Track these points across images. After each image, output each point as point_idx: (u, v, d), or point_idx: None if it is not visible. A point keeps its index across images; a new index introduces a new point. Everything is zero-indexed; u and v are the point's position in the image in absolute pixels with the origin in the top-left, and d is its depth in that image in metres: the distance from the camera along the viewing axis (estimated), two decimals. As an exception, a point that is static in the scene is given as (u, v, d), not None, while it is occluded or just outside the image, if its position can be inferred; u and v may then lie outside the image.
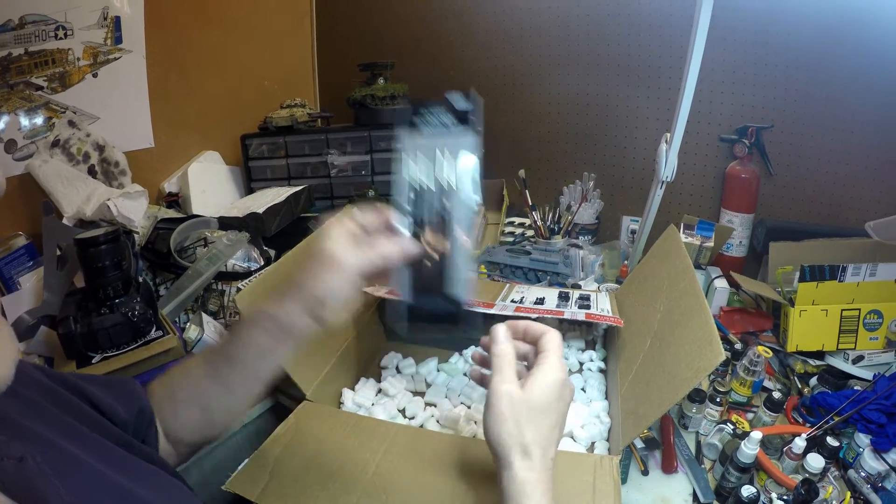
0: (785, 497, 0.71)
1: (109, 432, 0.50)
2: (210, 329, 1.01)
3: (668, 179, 1.05)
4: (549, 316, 0.88)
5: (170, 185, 1.51)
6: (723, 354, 0.57)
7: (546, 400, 0.51)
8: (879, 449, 0.75)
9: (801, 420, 0.88)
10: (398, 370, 0.95)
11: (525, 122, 1.61)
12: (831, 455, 0.76)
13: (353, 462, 0.66)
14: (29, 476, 0.37)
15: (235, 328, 0.61)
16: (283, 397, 0.96)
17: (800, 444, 0.76)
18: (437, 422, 0.83)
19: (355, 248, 0.55)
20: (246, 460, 0.67)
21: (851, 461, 0.77)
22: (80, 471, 0.41)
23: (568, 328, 1.01)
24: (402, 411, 0.87)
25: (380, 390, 0.91)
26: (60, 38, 1.25)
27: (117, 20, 1.34)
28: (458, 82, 1.67)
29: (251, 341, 0.59)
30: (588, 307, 0.95)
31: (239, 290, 1.12)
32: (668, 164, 1.03)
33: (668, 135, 1.03)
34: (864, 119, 1.16)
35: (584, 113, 1.51)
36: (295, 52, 1.85)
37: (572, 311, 0.91)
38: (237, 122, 1.59)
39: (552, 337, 0.55)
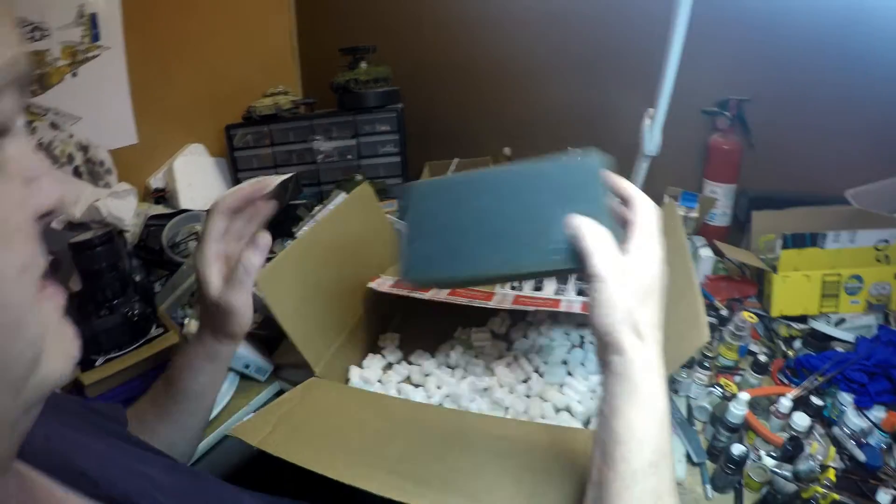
0: (773, 454, 0.75)
1: (120, 434, 0.53)
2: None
3: (654, 154, 1.07)
4: (546, 308, 0.90)
5: (156, 181, 1.51)
6: (707, 337, 0.59)
7: (651, 280, 0.47)
8: (861, 406, 0.79)
9: (786, 381, 0.92)
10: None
11: (506, 101, 1.62)
12: (816, 413, 0.80)
13: (354, 421, 0.70)
14: (56, 448, 0.40)
15: (175, 375, 0.66)
16: (286, 384, 0.98)
17: (786, 403, 0.80)
18: (447, 396, 0.86)
19: (222, 266, 0.62)
20: (251, 414, 0.71)
21: (836, 419, 0.81)
22: (89, 451, 0.44)
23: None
24: (409, 380, 0.91)
25: (389, 365, 0.94)
26: (37, 40, 1.23)
27: (93, 17, 1.32)
28: (440, 62, 1.68)
29: (187, 368, 0.66)
30: (584, 291, 0.97)
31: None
32: (653, 139, 1.05)
33: (652, 110, 1.05)
34: (843, 90, 1.18)
35: (567, 90, 1.52)
36: (275, 39, 1.83)
37: (569, 301, 0.92)
38: (220, 113, 1.58)
39: (643, 206, 0.49)
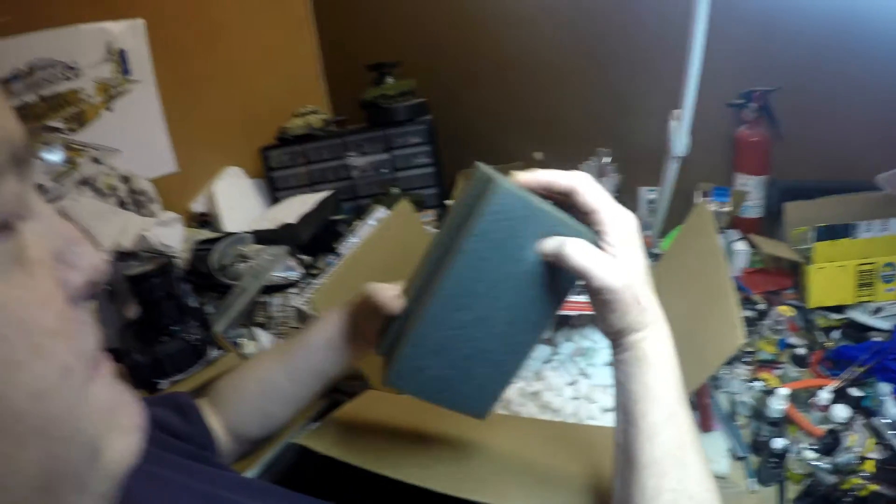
0: (813, 446, 0.76)
1: (179, 449, 0.55)
2: (265, 340, 1.08)
3: (682, 155, 1.08)
4: (588, 312, 0.92)
5: (197, 206, 1.57)
6: (743, 339, 0.62)
7: (642, 264, 0.50)
8: (900, 396, 0.80)
9: (826, 373, 0.93)
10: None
11: (533, 104, 1.64)
12: (856, 405, 0.81)
13: (413, 428, 0.73)
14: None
15: (312, 322, 0.69)
16: (342, 396, 1.03)
17: (825, 396, 0.81)
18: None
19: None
20: (318, 422, 0.74)
21: (875, 409, 0.82)
22: (169, 486, 0.46)
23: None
24: None
25: None
26: (71, 79, 1.28)
27: (122, 53, 1.36)
28: (465, 70, 1.70)
29: (325, 337, 0.66)
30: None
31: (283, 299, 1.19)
32: (681, 139, 1.07)
33: (678, 111, 1.06)
34: (869, 74, 1.18)
35: (593, 91, 1.54)
36: (298, 60, 1.88)
37: None
38: (254, 136, 1.64)
39: (604, 207, 0.49)
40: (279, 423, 0.71)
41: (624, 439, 0.49)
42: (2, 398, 0.22)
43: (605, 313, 0.48)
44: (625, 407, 0.49)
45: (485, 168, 0.51)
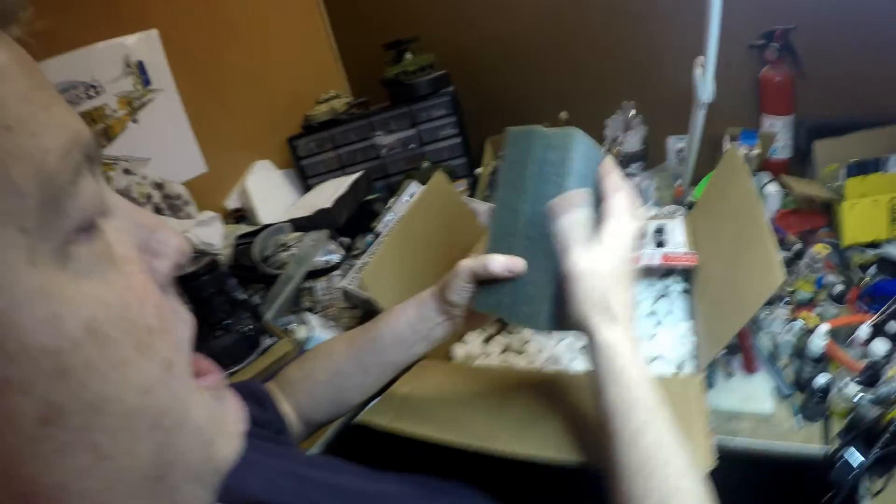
0: (856, 380, 0.77)
1: (260, 434, 0.59)
2: (315, 324, 1.12)
3: (709, 101, 1.08)
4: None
5: (232, 202, 1.61)
6: (782, 278, 0.64)
7: (622, 264, 0.54)
8: (939, 325, 0.81)
9: (865, 308, 0.93)
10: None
11: (556, 64, 1.63)
12: (895, 338, 0.82)
13: (468, 395, 0.76)
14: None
15: (383, 315, 0.71)
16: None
17: (865, 330, 0.83)
18: (548, 359, 0.92)
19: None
20: (376, 400, 0.77)
21: (916, 342, 0.83)
22: (257, 467, 0.49)
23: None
24: (510, 348, 0.97)
25: (489, 337, 1.00)
26: (93, 97, 1.31)
27: (140, 64, 1.39)
28: (484, 37, 1.69)
29: (394, 330, 0.69)
30: (663, 242, 1.02)
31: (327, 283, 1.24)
32: (707, 86, 1.06)
33: (702, 58, 1.05)
34: (888, 7, 1.15)
35: (614, 44, 1.52)
36: (313, 46, 1.89)
37: (649, 254, 0.97)
38: (279, 127, 1.68)
39: (617, 200, 0.56)
40: (349, 409, 0.75)
41: (606, 447, 0.52)
42: (114, 398, 0.23)
43: (568, 300, 0.54)
44: (601, 423, 0.53)
45: (529, 128, 0.62)
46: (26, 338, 0.21)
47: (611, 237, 0.54)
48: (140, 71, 1.39)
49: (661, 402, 0.51)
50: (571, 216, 0.55)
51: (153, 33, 1.42)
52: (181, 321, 0.29)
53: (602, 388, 0.52)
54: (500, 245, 0.62)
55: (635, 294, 0.57)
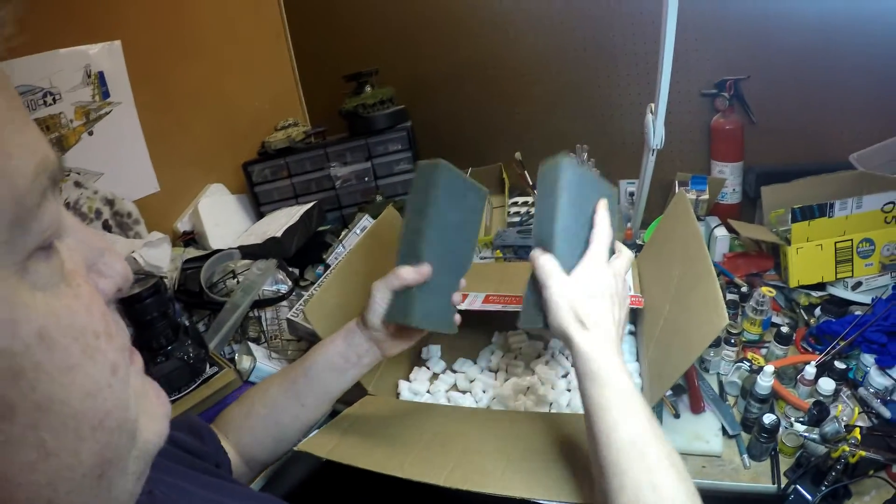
0: (802, 419, 0.79)
1: (196, 466, 0.58)
2: (260, 355, 1.08)
3: (659, 147, 1.11)
4: None
5: (182, 224, 1.56)
6: (726, 320, 0.64)
7: (595, 287, 0.61)
8: (883, 366, 0.83)
9: (810, 349, 0.95)
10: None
11: (510, 105, 1.66)
12: (841, 377, 0.84)
13: (412, 429, 0.75)
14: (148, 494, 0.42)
15: (315, 347, 0.73)
16: (339, 405, 1.04)
17: (810, 370, 0.84)
18: (493, 399, 0.92)
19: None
20: (316, 430, 0.76)
21: (861, 380, 0.85)
22: (191, 497, 0.48)
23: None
24: (455, 387, 0.97)
25: (435, 375, 1.00)
26: (50, 105, 1.26)
27: (101, 75, 1.35)
28: (443, 74, 1.71)
29: (326, 359, 0.72)
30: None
31: (276, 312, 1.20)
32: (657, 133, 1.09)
33: (653, 105, 1.09)
34: (836, 57, 1.22)
35: (570, 90, 1.56)
36: (277, 72, 1.88)
37: None
38: (236, 151, 1.64)
39: (598, 232, 0.66)
40: (290, 446, 0.74)
41: (590, 446, 0.55)
42: (61, 401, 0.24)
43: (550, 313, 0.61)
44: (586, 422, 0.56)
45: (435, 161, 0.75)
46: None
47: (583, 270, 0.63)
48: (100, 82, 1.35)
49: (641, 405, 0.54)
50: (545, 257, 0.63)
51: (116, 44, 1.38)
52: (123, 329, 0.30)
53: (582, 390, 0.57)
54: (409, 260, 0.70)
55: (621, 312, 0.63)
